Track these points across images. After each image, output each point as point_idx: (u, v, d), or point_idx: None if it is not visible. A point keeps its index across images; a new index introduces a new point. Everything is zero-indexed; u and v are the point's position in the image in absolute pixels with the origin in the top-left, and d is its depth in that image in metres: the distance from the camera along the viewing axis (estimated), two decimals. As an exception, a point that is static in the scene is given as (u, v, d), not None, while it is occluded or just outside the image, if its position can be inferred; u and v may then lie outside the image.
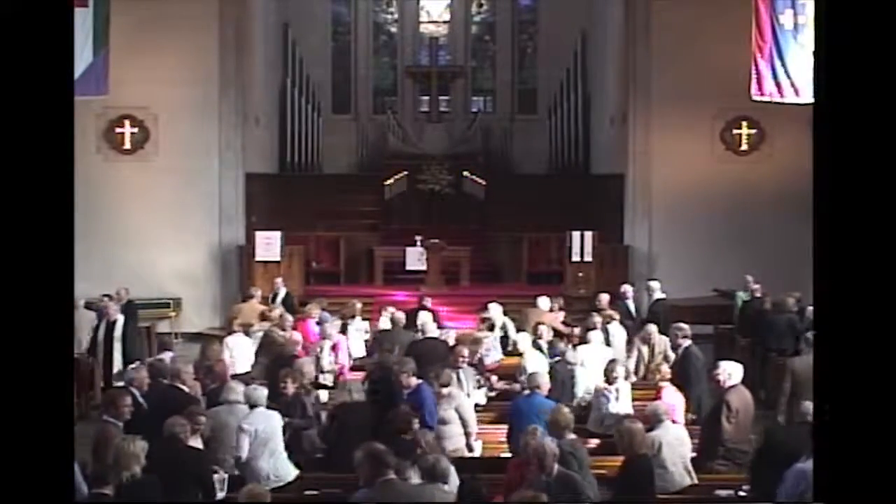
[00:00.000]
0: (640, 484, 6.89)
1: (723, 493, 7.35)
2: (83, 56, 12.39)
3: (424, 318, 11.76)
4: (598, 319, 11.85)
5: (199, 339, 12.23)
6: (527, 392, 8.57)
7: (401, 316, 12.09)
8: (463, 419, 8.51)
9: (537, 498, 5.70)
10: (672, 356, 10.78)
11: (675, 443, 7.63)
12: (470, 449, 8.52)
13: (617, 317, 12.38)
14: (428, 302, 13.20)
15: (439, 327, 11.90)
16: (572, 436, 7.21)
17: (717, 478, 7.75)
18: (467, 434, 8.53)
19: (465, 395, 8.96)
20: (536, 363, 9.96)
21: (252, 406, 7.80)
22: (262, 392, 7.93)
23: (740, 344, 13.35)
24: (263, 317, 12.73)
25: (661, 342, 11.06)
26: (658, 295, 13.58)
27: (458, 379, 9.25)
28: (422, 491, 6.12)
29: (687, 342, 10.03)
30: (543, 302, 12.88)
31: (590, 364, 9.98)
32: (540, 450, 6.47)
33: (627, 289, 13.94)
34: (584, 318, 12.20)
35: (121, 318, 12.08)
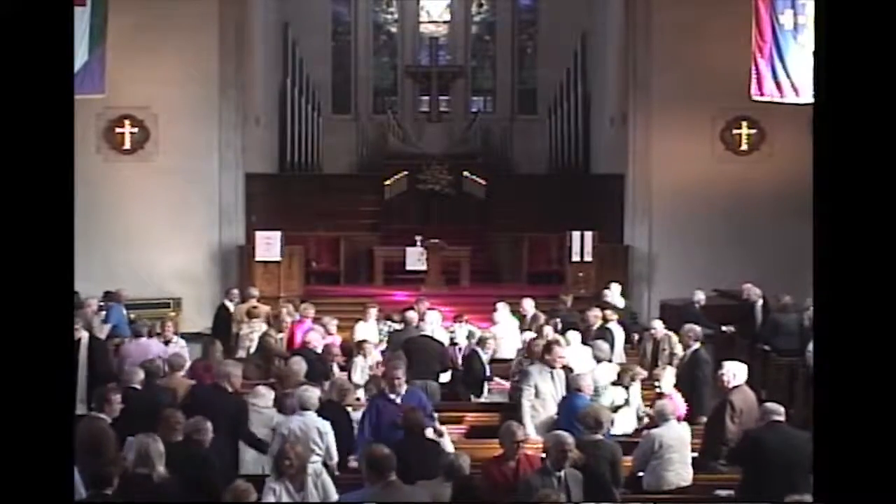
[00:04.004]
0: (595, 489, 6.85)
1: (723, 492, 7.36)
2: (79, 55, 12.40)
3: (411, 316, 11.78)
4: (597, 314, 11.93)
5: (200, 340, 12.20)
6: (570, 393, 8.51)
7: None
8: None
9: (556, 497, 5.71)
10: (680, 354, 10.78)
11: (676, 443, 7.65)
12: None
13: (615, 317, 12.39)
14: (424, 303, 13.14)
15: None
16: (599, 436, 7.23)
17: (718, 478, 7.76)
18: None
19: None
20: (582, 364, 9.85)
21: (299, 409, 7.68)
22: (312, 395, 7.78)
23: (740, 344, 13.37)
24: (251, 315, 12.66)
25: (667, 340, 11.07)
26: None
27: (553, 379, 8.99)
28: (422, 491, 6.13)
29: (696, 345, 10.01)
30: (529, 304, 12.89)
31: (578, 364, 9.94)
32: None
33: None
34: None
35: (85, 336, 10.54)
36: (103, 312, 13.19)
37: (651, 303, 17.24)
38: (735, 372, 8.28)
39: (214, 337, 11.74)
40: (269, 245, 17.11)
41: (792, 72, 12.94)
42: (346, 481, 7.07)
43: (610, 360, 10.02)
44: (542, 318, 12.17)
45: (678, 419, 8.12)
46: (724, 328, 13.64)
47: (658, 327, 11.34)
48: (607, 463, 7.04)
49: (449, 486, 6.15)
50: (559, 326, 11.30)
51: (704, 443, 8.22)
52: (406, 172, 21.38)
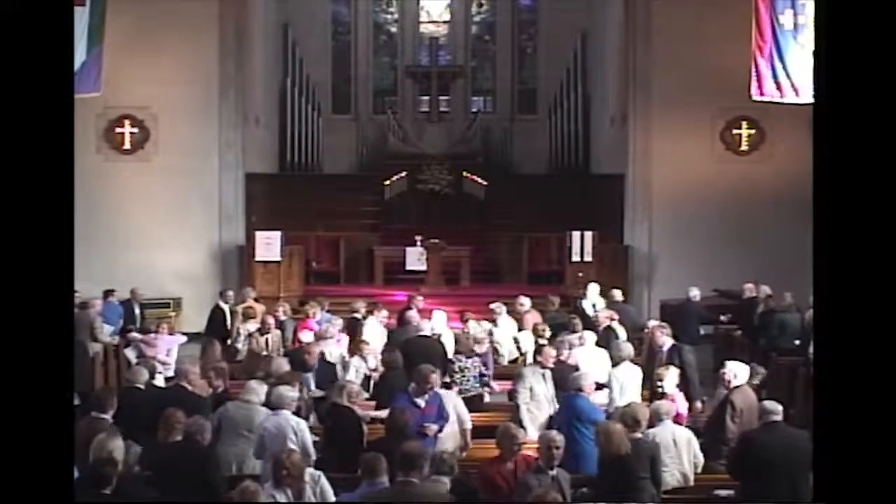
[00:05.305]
0: (619, 485, 6.79)
1: (723, 492, 7.35)
2: (77, 55, 12.41)
3: (412, 315, 11.80)
4: (608, 314, 11.93)
5: (199, 340, 12.19)
6: (571, 392, 8.51)
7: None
8: (459, 416, 8.51)
9: (554, 498, 5.71)
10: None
11: (671, 444, 7.61)
12: (466, 446, 8.50)
13: (617, 317, 12.38)
14: (419, 302, 13.12)
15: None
16: (639, 434, 7.21)
17: (718, 478, 7.75)
18: (464, 431, 8.53)
19: (454, 393, 8.98)
20: (590, 364, 9.83)
21: (273, 407, 7.66)
22: (288, 394, 7.74)
23: (740, 343, 13.36)
24: (246, 315, 12.65)
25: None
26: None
27: (544, 379, 9.03)
28: (435, 489, 6.13)
29: (670, 341, 10.05)
30: (526, 301, 12.89)
31: (587, 364, 9.93)
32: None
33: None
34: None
35: None
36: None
37: (651, 303, 17.24)
38: (736, 372, 8.28)
39: (209, 337, 11.74)
40: (269, 245, 17.10)
41: (792, 72, 12.95)
42: (344, 482, 7.04)
43: (630, 360, 9.96)
44: (538, 316, 12.19)
45: (677, 422, 8.08)
46: (722, 317, 13.70)
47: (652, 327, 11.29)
48: (647, 461, 7.03)
49: (441, 481, 6.16)
50: (578, 327, 11.19)
51: (705, 443, 8.19)
52: (406, 172, 21.38)
